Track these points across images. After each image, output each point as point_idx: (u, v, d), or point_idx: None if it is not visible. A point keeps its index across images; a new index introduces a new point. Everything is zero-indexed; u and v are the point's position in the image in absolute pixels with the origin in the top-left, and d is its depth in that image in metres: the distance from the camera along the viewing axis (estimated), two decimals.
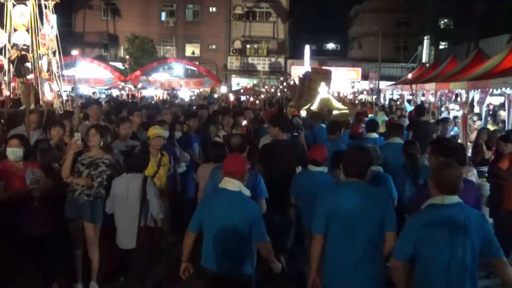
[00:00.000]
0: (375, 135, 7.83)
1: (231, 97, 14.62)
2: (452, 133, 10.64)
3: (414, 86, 14.38)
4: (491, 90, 10.32)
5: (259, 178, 5.03)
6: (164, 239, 5.52)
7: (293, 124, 8.23)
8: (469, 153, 11.16)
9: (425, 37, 40.09)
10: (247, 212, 3.86)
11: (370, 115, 13.23)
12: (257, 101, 16.22)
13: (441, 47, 46.38)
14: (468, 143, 9.97)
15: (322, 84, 14.36)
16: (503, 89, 9.57)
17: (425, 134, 8.55)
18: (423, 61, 38.44)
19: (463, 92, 12.99)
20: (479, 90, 11.31)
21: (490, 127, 15.33)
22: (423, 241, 3.22)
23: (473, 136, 9.65)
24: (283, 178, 5.81)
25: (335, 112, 12.63)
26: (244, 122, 8.69)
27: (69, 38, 36.24)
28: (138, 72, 24.65)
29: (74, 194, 5.30)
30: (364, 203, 3.64)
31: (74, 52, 13.07)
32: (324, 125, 8.88)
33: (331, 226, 3.72)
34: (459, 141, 9.30)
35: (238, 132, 7.31)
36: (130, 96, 21.54)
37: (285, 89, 27.51)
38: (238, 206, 3.86)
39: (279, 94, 27.59)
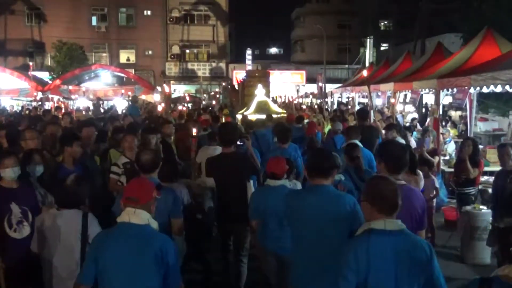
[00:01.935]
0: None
1: (160, 108, 12.44)
2: (431, 144, 8.97)
3: (367, 87, 12.71)
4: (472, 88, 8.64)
5: (176, 197, 4.60)
6: None
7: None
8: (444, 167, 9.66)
9: (368, 38, 40.06)
10: (159, 255, 3.14)
11: (306, 120, 12.59)
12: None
13: (382, 48, 46.65)
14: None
15: (259, 86, 13.51)
16: (493, 86, 7.91)
17: (370, 139, 7.72)
18: (367, 62, 38.33)
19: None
20: (453, 89, 9.66)
21: (454, 132, 14.03)
22: (364, 272, 2.84)
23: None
24: (233, 196, 5.50)
25: (274, 116, 11.82)
26: (194, 131, 7.65)
27: None
28: (58, 81, 21.78)
29: None
30: (329, 207, 3.61)
31: None
32: (264, 130, 8.76)
33: (295, 230, 3.73)
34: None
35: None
36: (27, 109, 18.82)
37: (226, 96, 25.76)
38: (146, 246, 3.16)
39: (221, 100, 26.14)
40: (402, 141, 8.51)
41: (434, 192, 7.35)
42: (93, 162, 6.06)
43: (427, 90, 12.09)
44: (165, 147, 7.06)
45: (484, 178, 8.29)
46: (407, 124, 14.25)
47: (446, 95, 11.93)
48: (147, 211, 3.26)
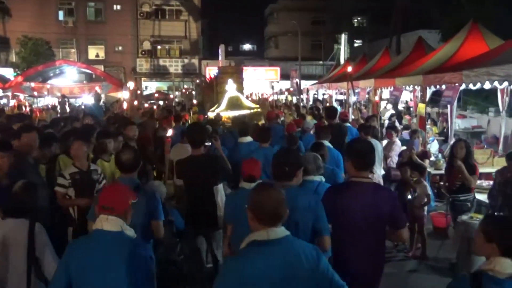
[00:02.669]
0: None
1: (125, 105, 11.58)
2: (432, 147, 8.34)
3: (349, 83, 12.13)
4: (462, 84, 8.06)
5: (157, 198, 4.36)
6: None
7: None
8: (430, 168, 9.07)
9: (343, 34, 39.81)
10: (134, 263, 3.05)
11: (281, 118, 12.27)
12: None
13: (356, 45, 46.55)
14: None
15: (229, 81, 13.02)
16: (488, 83, 7.32)
17: (338, 138, 7.57)
18: (341, 58, 38.13)
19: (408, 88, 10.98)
20: (441, 86, 9.04)
21: (434, 130, 13.56)
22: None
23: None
24: (203, 199, 5.36)
25: (245, 111, 11.81)
26: (170, 132, 7.12)
27: None
28: (20, 78, 20.49)
29: None
30: (293, 207, 3.34)
31: None
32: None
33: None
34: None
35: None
36: None
37: (200, 93, 24.97)
38: (120, 253, 3.05)
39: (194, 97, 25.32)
40: (377, 143, 8.04)
41: (426, 200, 6.77)
42: (35, 173, 5.22)
43: (410, 87, 11.55)
44: None
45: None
46: (385, 122, 13.76)
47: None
48: (123, 219, 3.17)
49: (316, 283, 2.70)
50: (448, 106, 11.70)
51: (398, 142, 8.96)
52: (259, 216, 2.71)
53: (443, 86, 9.05)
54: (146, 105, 12.81)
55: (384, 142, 9.74)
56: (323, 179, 4.88)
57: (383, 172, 8.36)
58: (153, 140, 8.08)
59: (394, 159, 8.76)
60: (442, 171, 8.53)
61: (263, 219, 2.70)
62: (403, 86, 11.30)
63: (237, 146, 7.31)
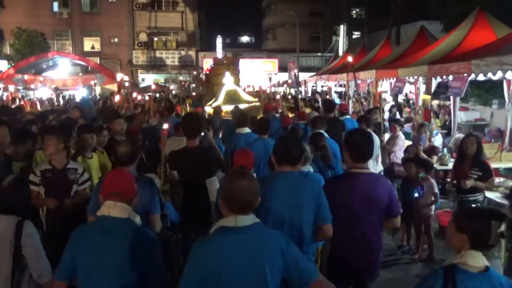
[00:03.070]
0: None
1: (117, 97, 11.10)
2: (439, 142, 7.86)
3: (352, 74, 11.66)
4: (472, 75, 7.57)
5: (154, 190, 4.29)
6: None
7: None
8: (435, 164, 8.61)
9: (342, 25, 39.29)
10: (141, 250, 2.99)
11: (279, 110, 12.10)
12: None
13: (354, 36, 46.03)
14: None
15: (227, 74, 12.58)
16: (500, 72, 6.86)
17: (334, 131, 7.44)
18: (340, 50, 37.69)
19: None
20: (448, 76, 8.57)
21: (437, 122, 13.11)
22: (213, 274, 2.62)
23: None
24: (198, 192, 5.24)
25: (244, 105, 11.52)
26: (166, 126, 6.81)
27: None
28: (11, 70, 19.94)
29: None
30: (297, 191, 3.60)
31: None
32: None
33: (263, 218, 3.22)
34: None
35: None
36: None
37: (197, 85, 24.53)
38: (128, 240, 2.97)
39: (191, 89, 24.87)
40: (376, 136, 7.76)
41: (433, 198, 6.34)
42: (6, 169, 4.79)
43: (411, 79, 11.09)
44: (114, 147, 5.81)
45: None
46: (387, 115, 13.32)
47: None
48: (129, 205, 3.10)
49: (285, 271, 2.72)
50: (451, 97, 11.26)
51: (402, 136, 8.51)
52: (229, 204, 2.73)
53: (450, 77, 8.59)
54: (139, 97, 12.33)
55: (386, 135, 9.33)
56: (311, 169, 4.93)
57: (380, 167, 8.00)
58: (141, 133, 7.66)
59: (398, 154, 8.33)
60: (448, 167, 8.14)
61: (234, 207, 2.72)
62: (406, 77, 10.84)
63: (233, 137, 7.19)
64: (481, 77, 7.67)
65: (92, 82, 17.88)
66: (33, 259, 3.64)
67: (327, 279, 2.88)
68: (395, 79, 11.55)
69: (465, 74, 7.74)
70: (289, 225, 3.57)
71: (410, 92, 18.20)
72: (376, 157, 7.80)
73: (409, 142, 9.10)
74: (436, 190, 6.33)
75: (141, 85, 35.37)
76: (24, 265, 3.66)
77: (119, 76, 10.56)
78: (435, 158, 7.51)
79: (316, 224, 3.65)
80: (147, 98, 12.27)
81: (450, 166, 8.02)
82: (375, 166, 7.60)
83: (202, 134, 5.82)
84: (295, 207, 3.58)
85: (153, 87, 24.34)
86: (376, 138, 7.73)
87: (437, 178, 8.67)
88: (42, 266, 3.64)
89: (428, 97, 9.25)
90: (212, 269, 2.63)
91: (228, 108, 11.60)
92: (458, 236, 2.64)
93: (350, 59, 11.53)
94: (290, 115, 10.87)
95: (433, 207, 6.42)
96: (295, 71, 19.81)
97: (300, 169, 4.60)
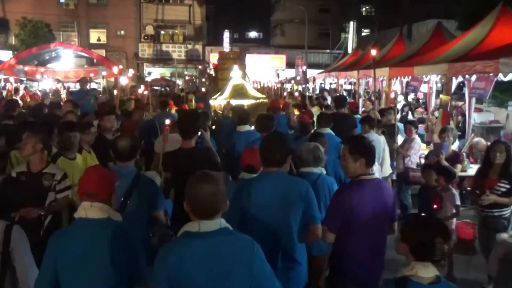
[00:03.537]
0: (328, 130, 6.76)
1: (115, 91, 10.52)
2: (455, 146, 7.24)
3: (360, 72, 11.04)
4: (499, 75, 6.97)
5: (156, 188, 4.13)
6: None
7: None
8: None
9: (351, 22, 38.68)
10: (123, 250, 2.89)
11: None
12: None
13: (363, 34, 45.44)
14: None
15: (235, 67, 11.95)
16: None
17: (345, 128, 7.34)
18: (349, 47, 37.15)
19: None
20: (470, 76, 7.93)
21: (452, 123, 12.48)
22: (176, 280, 2.59)
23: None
24: None
25: (250, 101, 11.15)
26: (168, 121, 6.43)
27: None
28: (12, 60, 19.43)
29: None
30: (282, 191, 3.54)
31: None
32: None
33: (249, 219, 3.52)
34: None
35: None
36: None
37: (206, 80, 24.04)
38: (108, 241, 2.87)
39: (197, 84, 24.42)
40: (379, 137, 7.40)
41: (454, 211, 5.75)
42: None
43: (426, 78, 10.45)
44: (102, 145, 5.29)
45: None
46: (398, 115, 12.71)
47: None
48: (107, 204, 2.97)
49: (250, 278, 2.65)
50: (466, 98, 10.68)
51: (417, 139, 7.91)
52: (193, 208, 2.68)
53: (473, 77, 7.98)
54: (146, 92, 11.81)
55: (399, 138, 8.76)
56: (324, 172, 4.70)
57: (388, 171, 7.51)
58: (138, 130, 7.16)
59: (413, 158, 7.76)
60: (467, 173, 7.54)
61: (197, 211, 2.68)
62: (422, 76, 10.23)
63: (233, 136, 6.98)
64: (509, 77, 7.04)
65: (91, 75, 17.31)
66: (23, 269, 3.44)
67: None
68: (410, 77, 10.95)
69: (491, 74, 7.14)
70: (274, 227, 3.50)
71: (420, 91, 17.62)
72: (381, 161, 7.32)
73: (423, 145, 8.54)
74: (458, 202, 5.73)
75: (147, 79, 35.02)
76: (13, 274, 3.46)
77: (115, 69, 9.93)
78: (459, 167, 6.84)
79: (307, 224, 3.59)
80: (146, 92, 11.65)
81: (469, 172, 7.45)
82: (379, 170, 7.11)
83: (199, 134, 5.46)
84: (280, 208, 3.51)
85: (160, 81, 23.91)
86: (380, 141, 7.32)
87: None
88: (32, 276, 3.29)
89: (448, 97, 8.66)
90: (174, 275, 2.59)
91: (233, 103, 11.05)
92: (403, 246, 2.66)
93: (374, 52, 10.60)
94: (296, 113, 10.38)
95: (454, 220, 5.83)
96: (303, 67, 19.23)
97: (313, 170, 4.54)
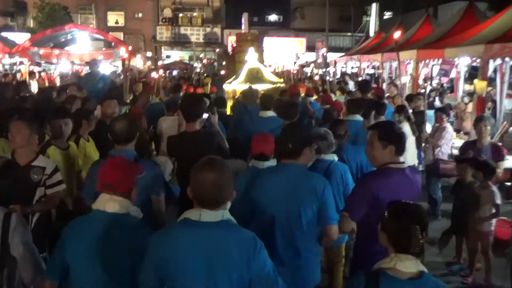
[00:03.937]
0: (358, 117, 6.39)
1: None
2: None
3: (384, 55, 10.37)
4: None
5: (157, 173, 3.92)
6: None
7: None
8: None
9: (373, 4, 37.62)
10: (137, 250, 2.67)
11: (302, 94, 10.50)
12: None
13: (385, 17, 44.27)
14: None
15: (250, 49, 11.43)
16: None
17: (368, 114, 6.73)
18: (371, 30, 36.24)
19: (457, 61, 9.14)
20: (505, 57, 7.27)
21: None
22: (167, 267, 2.51)
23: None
24: None
25: (267, 86, 10.62)
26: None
27: None
28: (27, 43, 19.09)
29: None
30: (295, 186, 3.43)
31: None
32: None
33: (258, 212, 3.50)
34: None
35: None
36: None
37: (221, 63, 23.61)
38: (123, 239, 2.76)
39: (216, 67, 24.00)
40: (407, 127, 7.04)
41: (493, 210, 5.16)
42: None
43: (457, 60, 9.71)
44: (102, 132, 4.82)
45: None
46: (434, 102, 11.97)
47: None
48: (127, 198, 2.86)
49: (248, 276, 2.50)
50: (498, 83, 10.00)
51: (449, 128, 7.26)
52: (195, 196, 2.58)
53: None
54: (153, 74, 11.40)
55: (428, 126, 8.15)
56: (336, 158, 4.55)
57: (412, 161, 6.95)
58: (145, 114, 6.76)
59: (444, 149, 7.14)
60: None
61: (199, 199, 2.57)
62: (454, 59, 9.53)
63: (254, 121, 6.63)
64: None
65: (100, 57, 16.90)
66: (23, 262, 3.14)
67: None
68: (440, 60, 10.24)
69: None
70: (283, 220, 3.41)
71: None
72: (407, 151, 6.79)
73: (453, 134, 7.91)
74: (498, 201, 5.13)
75: (165, 62, 34.72)
76: (12, 268, 3.19)
77: (122, 50, 9.42)
78: (501, 164, 6.05)
79: (321, 225, 3.46)
80: (156, 76, 11.17)
81: (507, 164, 6.76)
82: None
83: (206, 117, 5.32)
84: (290, 202, 3.40)
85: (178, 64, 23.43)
86: (407, 129, 6.90)
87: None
88: (32, 269, 3.12)
89: (484, 83, 7.98)
90: (164, 263, 2.51)
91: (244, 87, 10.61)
92: (382, 236, 2.49)
93: (397, 34, 9.64)
94: (315, 97, 9.85)
95: (494, 221, 5.23)
96: (324, 50, 18.57)
97: (324, 158, 4.44)
